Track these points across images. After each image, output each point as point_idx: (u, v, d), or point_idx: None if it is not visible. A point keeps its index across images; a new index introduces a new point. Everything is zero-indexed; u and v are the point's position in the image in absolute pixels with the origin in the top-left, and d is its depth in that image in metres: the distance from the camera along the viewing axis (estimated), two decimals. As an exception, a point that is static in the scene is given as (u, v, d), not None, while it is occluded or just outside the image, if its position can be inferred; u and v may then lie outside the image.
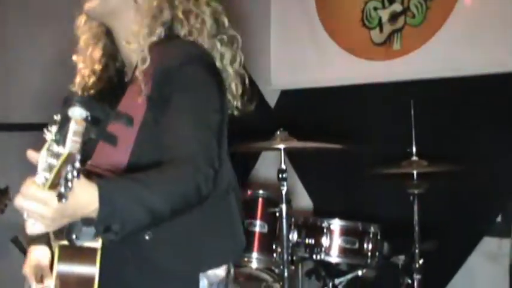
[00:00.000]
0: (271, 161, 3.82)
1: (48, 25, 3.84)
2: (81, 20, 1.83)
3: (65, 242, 1.32)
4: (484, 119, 3.29)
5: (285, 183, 2.90)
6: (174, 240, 1.56)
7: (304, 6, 4.16)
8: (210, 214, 1.58)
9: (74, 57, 1.83)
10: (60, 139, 1.11)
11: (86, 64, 1.80)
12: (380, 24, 3.78)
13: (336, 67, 3.96)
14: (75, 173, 1.11)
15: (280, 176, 2.90)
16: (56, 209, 1.17)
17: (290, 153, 3.58)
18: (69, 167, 1.10)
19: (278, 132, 2.97)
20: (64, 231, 1.29)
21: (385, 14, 3.76)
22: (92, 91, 1.79)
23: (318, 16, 4.09)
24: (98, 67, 1.80)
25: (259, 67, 4.28)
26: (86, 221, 1.26)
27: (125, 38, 1.70)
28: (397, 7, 3.71)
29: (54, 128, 1.13)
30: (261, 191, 3.14)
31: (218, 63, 1.70)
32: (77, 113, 1.12)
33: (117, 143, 1.51)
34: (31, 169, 1.18)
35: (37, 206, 1.16)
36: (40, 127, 1.19)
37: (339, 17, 4.01)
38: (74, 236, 1.28)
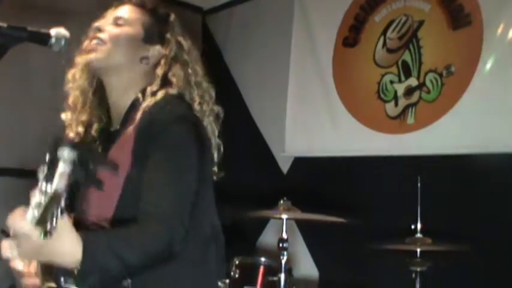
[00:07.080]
0: (278, 229, 3.79)
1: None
2: (73, 74, 1.87)
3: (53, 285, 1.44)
4: (493, 198, 3.24)
5: (285, 252, 2.92)
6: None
7: (321, 76, 4.19)
8: (186, 266, 1.64)
9: (63, 116, 1.89)
10: (49, 178, 1.18)
11: (71, 127, 1.86)
12: (395, 98, 3.78)
13: (349, 138, 3.96)
14: (59, 212, 1.16)
15: (280, 245, 2.91)
16: (34, 243, 1.23)
17: (298, 221, 3.58)
18: (55, 206, 1.16)
19: (281, 202, 2.98)
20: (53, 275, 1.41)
21: (400, 88, 3.77)
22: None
23: (334, 86, 4.11)
24: (81, 130, 1.86)
25: (274, 134, 4.36)
26: (66, 272, 1.35)
27: (121, 92, 1.80)
28: (413, 82, 3.71)
29: (45, 168, 1.19)
30: (262, 259, 3.11)
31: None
32: (66, 154, 1.19)
33: (103, 188, 1.54)
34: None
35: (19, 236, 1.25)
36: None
37: (355, 89, 4.02)
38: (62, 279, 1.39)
